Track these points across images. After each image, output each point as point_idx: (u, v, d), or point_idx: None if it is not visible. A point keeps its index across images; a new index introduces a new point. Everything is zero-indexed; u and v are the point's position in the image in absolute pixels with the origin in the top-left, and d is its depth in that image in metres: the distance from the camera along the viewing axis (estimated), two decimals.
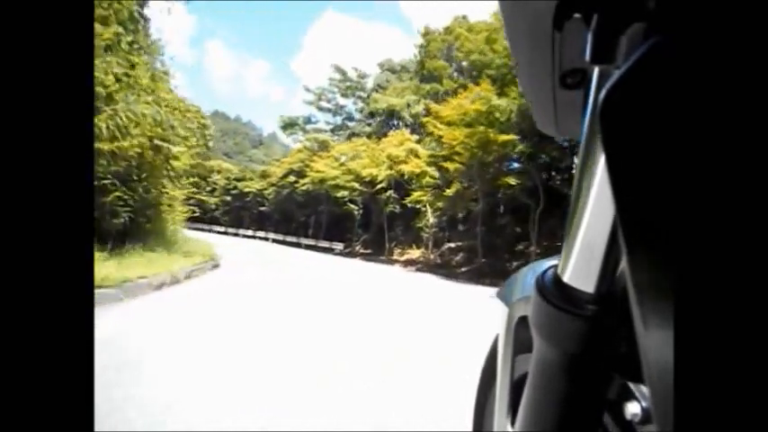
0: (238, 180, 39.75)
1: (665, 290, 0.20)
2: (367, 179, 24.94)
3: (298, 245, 32.02)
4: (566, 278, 0.36)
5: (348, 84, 34.63)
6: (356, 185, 26.21)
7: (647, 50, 0.21)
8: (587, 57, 0.29)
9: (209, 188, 41.94)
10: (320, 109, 36.09)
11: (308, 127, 37.29)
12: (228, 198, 40.11)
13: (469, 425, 0.81)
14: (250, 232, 36.72)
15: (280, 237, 34.20)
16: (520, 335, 0.56)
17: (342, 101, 35.90)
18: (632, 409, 0.35)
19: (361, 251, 29.30)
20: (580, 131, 0.35)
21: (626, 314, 0.29)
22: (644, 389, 0.35)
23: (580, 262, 0.35)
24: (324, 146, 32.59)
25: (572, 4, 0.32)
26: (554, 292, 0.36)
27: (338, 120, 36.39)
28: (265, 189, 36.97)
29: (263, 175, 38.55)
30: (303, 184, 30.88)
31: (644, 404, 0.35)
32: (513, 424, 0.51)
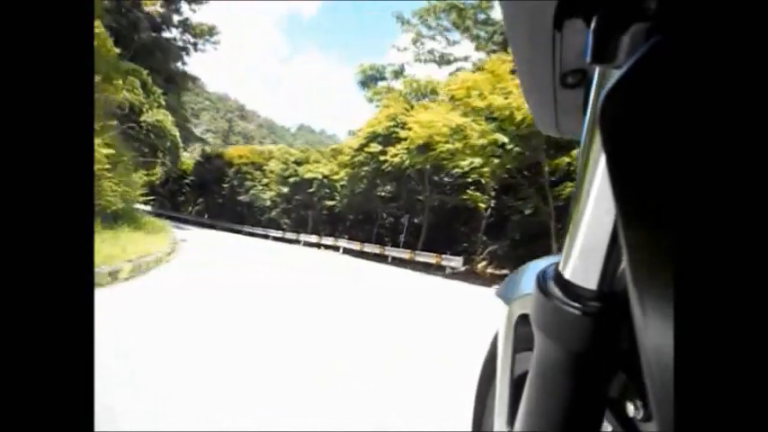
0: (299, 163, 28.75)
1: (666, 288, 0.20)
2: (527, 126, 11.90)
3: (381, 258, 19.78)
4: (568, 275, 0.36)
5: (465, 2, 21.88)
6: (503, 139, 13.16)
7: (647, 51, 0.21)
8: (587, 57, 0.29)
9: (265, 180, 31.44)
10: (419, 47, 23.86)
11: (400, 85, 25.15)
12: (286, 190, 29.15)
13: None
14: (314, 238, 25.16)
15: (355, 246, 22.18)
16: (520, 333, 0.56)
17: (455, 35, 23.25)
18: (634, 406, 0.35)
19: (493, 272, 16.40)
20: (580, 131, 0.36)
21: (628, 311, 0.29)
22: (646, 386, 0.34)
23: (582, 259, 0.35)
24: (429, 90, 20.24)
25: (572, 4, 0.32)
26: (556, 288, 0.36)
27: (444, 73, 23.78)
28: (335, 173, 25.30)
29: (334, 154, 27.03)
30: (395, 155, 18.47)
31: (646, 402, 0.34)
32: (513, 422, 0.50)
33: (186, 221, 32.87)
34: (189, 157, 40.60)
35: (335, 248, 23.52)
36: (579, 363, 0.34)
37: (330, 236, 25.50)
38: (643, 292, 0.22)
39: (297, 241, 26.41)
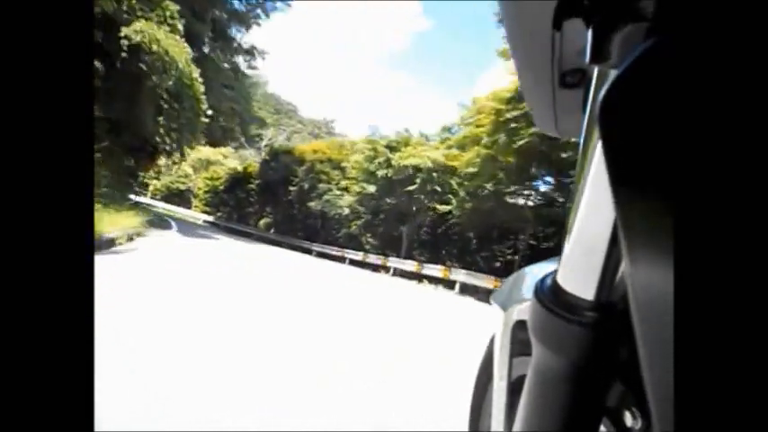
0: (392, 148, 19.34)
1: (666, 292, 0.20)
2: None
3: None
4: (565, 285, 0.36)
5: None
6: None
7: (645, 50, 0.21)
8: (587, 57, 0.29)
9: (344, 183, 22.99)
10: None
11: None
12: (372, 189, 19.85)
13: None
14: (410, 265, 15.87)
15: (483, 281, 12.50)
16: (516, 338, 0.57)
17: None
18: (632, 416, 0.35)
19: None
20: (580, 131, 0.35)
21: (626, 321, 0.29)
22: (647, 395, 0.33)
23: (579, 268, 0.34)
24: None
25: (572, 4, 0.31)
26: (553, 298, 0.36)
27: None
28: (454, 159, 15.79)
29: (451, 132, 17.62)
30: None
31: (644, 411, 0.34)
32: (509, 426, 0.52)
33: (248, 236, 25.58)
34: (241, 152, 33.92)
35: (448, 284, 14.03)
36: (577, 373, 0.34)
37: (432, 262, 16.04)
38: (644, 297, 0.22)
39: (383, 268, 17.31)
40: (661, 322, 0.20)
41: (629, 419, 0.35)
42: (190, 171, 38.59)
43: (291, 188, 25.81)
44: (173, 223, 19.29)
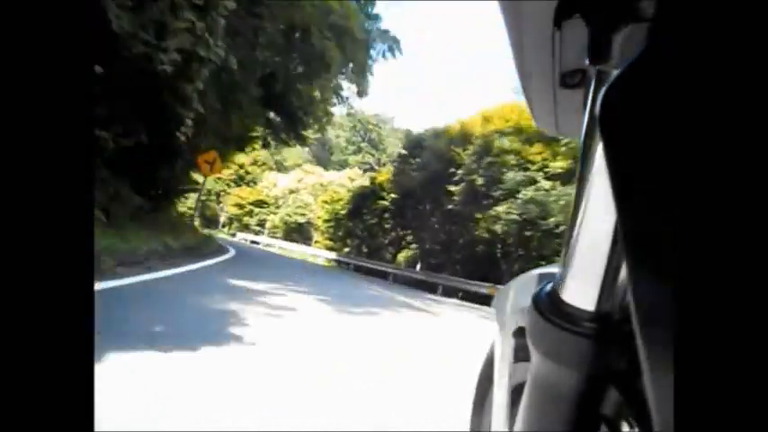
0: None
1: (668, 296, 0.19)
2: None
3: None
4: (564, 294, 0.35)
5: None
6: None
7: (645, 51, 0.20)
8: (587, 57, 0.29)
9: (558, 164, 11.87)
10: None
11: None
12: None
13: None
14: None
15: None
16: (517, 344, 0.58)
17: None
18: (629, 425, 0.35)
19: None
20: (580, 131, 0.35)
21: (624, 331, 0.29)
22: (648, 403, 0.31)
23: (578, 277, 0.34)
24: None
25: (572, 4, 0.31)
26: (552, 308, 0.35)
27: None
28: None
29: None
30: None
31: (641, 421, 0.34)
32: (510, 430, 0.53)
33: (384, 276, 15.89)
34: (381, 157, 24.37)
35: None
36: (576, 383, 0.34)
37: None
38: (645, 300, 0.21)
39: None
40: (662, 326, 0.20)
41: (626, 429, 0.35)
42: (309, 200, 31.38)
43: (452, 189, 15.31)
44: (229, 248, 11.59)
